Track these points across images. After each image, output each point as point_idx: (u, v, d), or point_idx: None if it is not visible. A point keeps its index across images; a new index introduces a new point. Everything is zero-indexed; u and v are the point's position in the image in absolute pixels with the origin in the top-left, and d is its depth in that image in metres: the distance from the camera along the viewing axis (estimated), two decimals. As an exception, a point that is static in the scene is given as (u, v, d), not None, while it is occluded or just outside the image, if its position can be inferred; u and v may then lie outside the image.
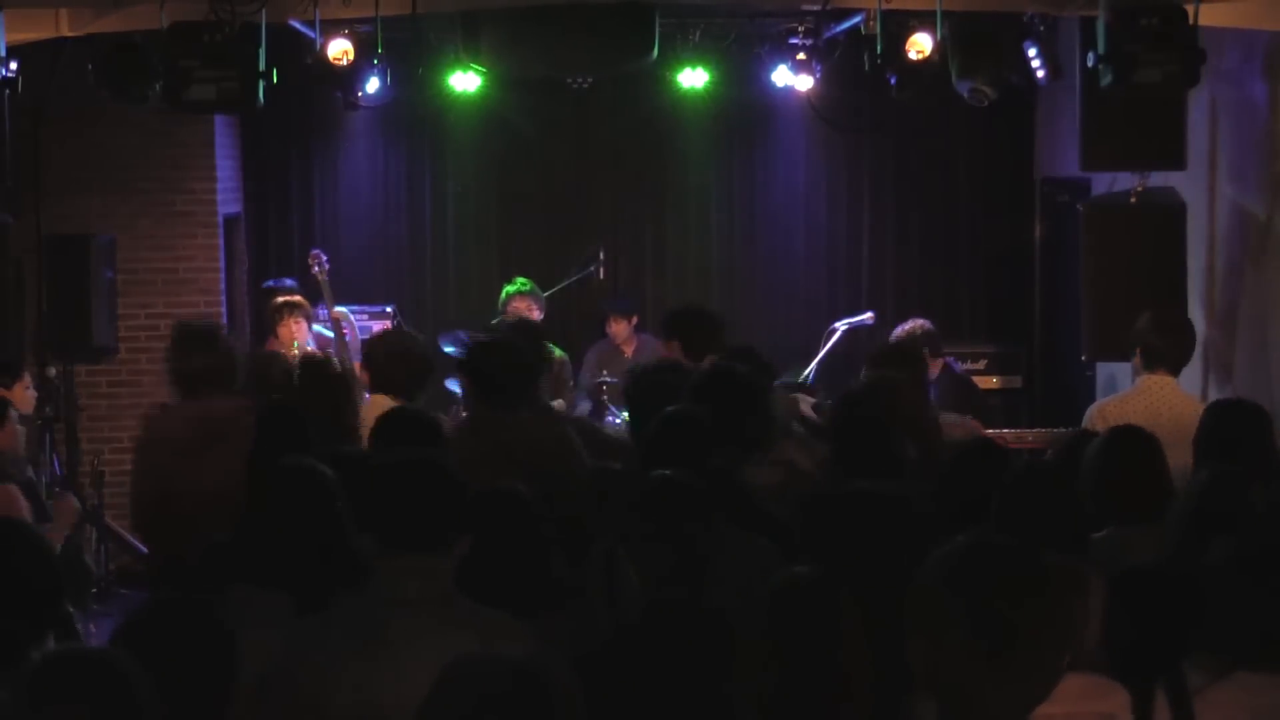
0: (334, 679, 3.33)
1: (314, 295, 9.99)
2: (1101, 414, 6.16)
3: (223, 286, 10.82)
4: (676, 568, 3.92)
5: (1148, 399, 6.19)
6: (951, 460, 4.73)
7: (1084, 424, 6.28)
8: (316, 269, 9.91)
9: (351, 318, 10.12)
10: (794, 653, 2.99)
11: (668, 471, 4.14)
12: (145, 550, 9.80)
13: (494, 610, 3.46)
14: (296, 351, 9.13)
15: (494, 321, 9.91)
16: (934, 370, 8.67)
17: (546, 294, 10.21)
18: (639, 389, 5.65)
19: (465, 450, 5.36)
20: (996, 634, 2.36)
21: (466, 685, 2.33)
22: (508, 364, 5.86)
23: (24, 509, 5.80)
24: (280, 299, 9.41)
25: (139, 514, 6.22)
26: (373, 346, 6.66)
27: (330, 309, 9.80)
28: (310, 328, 9.40)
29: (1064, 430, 7.61)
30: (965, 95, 8.11)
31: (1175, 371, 6.34)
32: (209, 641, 3.03)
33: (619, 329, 10.30)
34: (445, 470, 3.53)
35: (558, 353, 9.40)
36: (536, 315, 9.66)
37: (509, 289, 9.80)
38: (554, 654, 3.22)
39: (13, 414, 6.80)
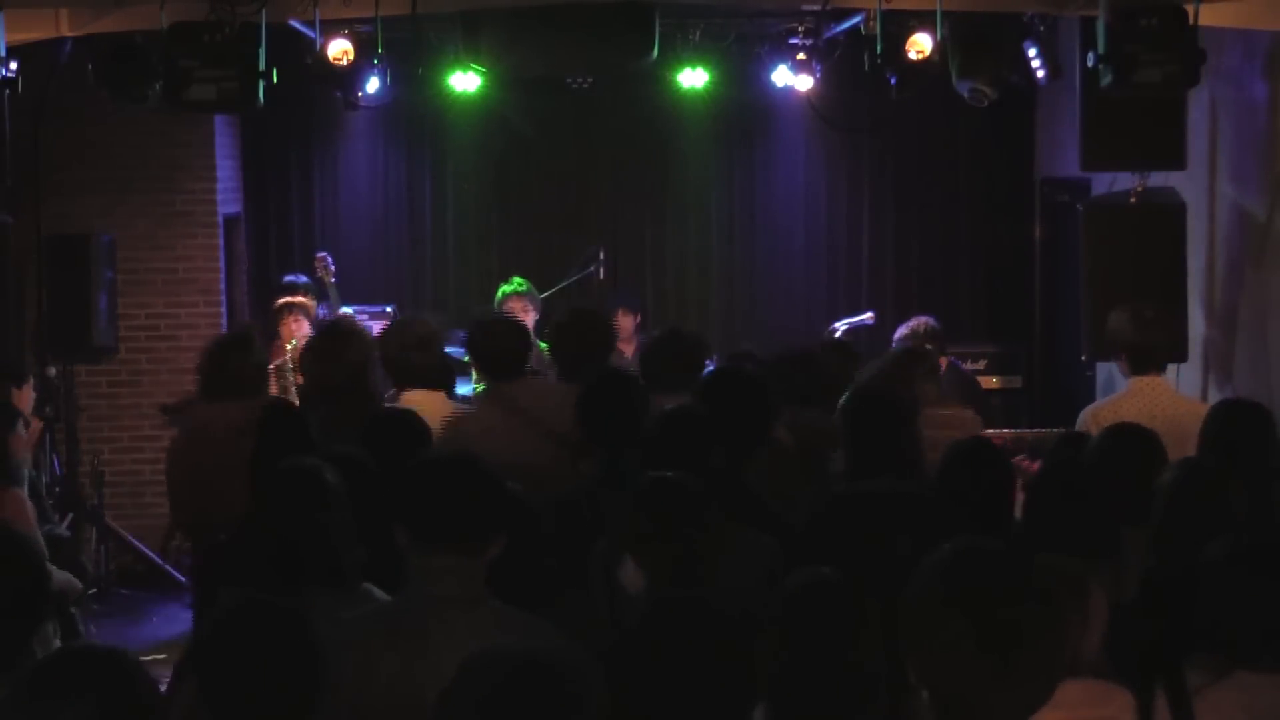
0: (371, 672, 3.33)
1: (320, 297, 10.05)
2: (1095, 418, 6.06)
3: (223, 286, 10.82)
4: (676, 567, 3.92)
5: (1141, 401, 6.10)
6: (946, 460, 4.72)
7: (1077, 429, 6.23)
8: (322, 272, 9.96)
9: (355, 319, 10.16)
10: (811, 653, 2.98)
11: (666, 473, 4.14)
12: (146, 551, 9.90)
13: (531, 615, 3.46)
14: (293, 349, 9.16)
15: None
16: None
17: (546, 294, 10.21)
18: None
19: (487, 420, 5.65)
20: (996, 640, 2.35)
21: (489, 673, 2.31)
22: (506, 338, 6.08)
23: (31, 512, 5.81)
24: (281, 299, 9.46)
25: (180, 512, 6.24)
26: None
27: (335, 311, 9.85)
28: (311, 326, 9.41)
29: (1060, 430, 7.60)
30: (965, 95, 8.11)
31: (1163, 369, 6.28)
32: (295, 649, 2.97)
33: (625, 323, 10.30)
34: (484, 469, 3.51)
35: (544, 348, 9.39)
36: (532, 316, 9.65)
37: (505, 289, 9.80)
38: (577, 645, 3.21)
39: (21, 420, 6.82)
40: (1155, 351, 6.24)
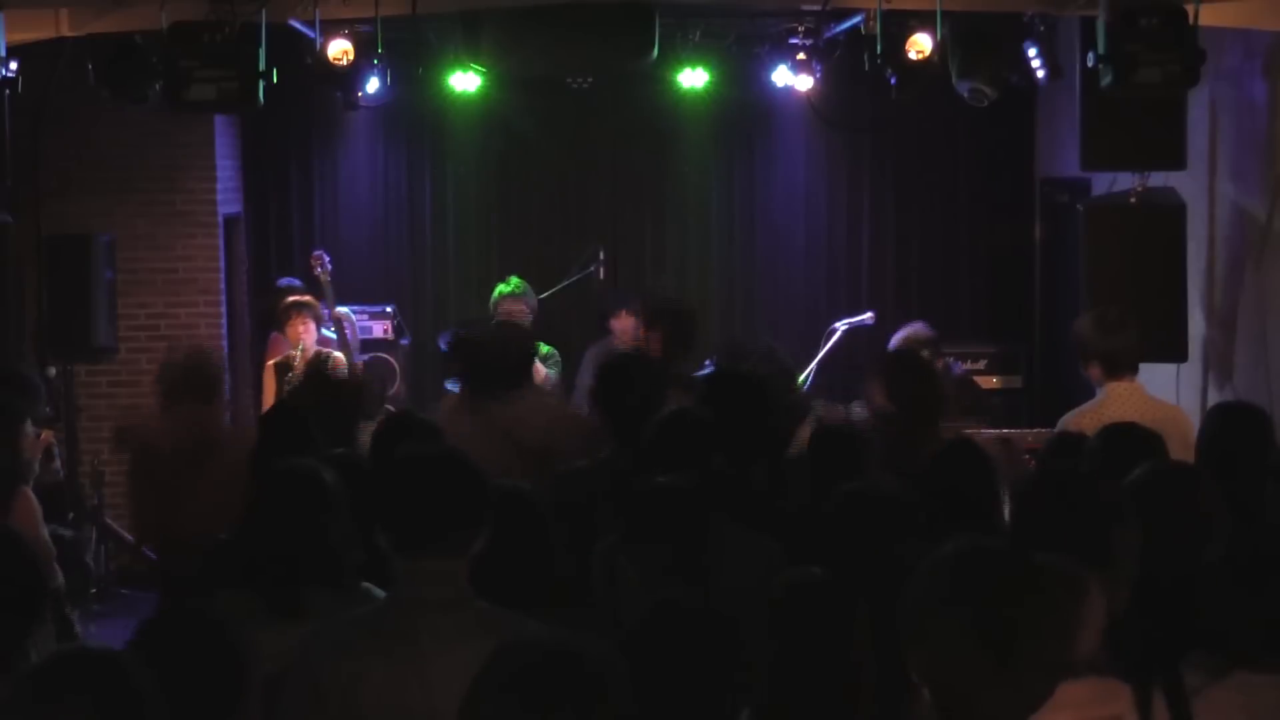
0: (358, 679, 3.31)
1: (316, 296, 10.02)
2: (1077, 425, 6.01)
3: (223, 286, 10.82)
4: (677, 570, 3.92)
5: (1120, 408, 6.01)
6: (933, 461, 4.70)
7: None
8: (319, 270, 9.94)
9: (353, 317, 10.15)
10: (801, 653, 2.98)
11: (666, 477, 4.13)
12: (146, 550, 9.88)
13: (517, 614, 3.42)
14: (300, 352, 9.14)
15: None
16: None
17: (546, 294, 10.20)
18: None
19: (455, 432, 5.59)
20: (997, 637, 2.36)
21: (517, 659, 2.30)
22: (495, 353, 6.09)
23: (38, 513, 5.82)
24: (290, 299, 9.42)
25: (142, 529, 6.24)
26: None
27: (332, 309, 9.83)
28: (318, 328, 9.40)
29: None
30: (965, 95, 8.12)
31: (1135, 371, 6.23)
32: (216, 654, 3.00)
33: (626, 324, 10.24)
34: (461, 467, 3.44)
35: (544, 349, 9.37)
36: (527, 317, 9.64)
37: (502, 288, 9.78)
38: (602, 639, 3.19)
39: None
40: (1124, 352, 6.18)
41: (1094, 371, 6.26)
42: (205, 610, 3.12)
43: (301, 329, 9.15)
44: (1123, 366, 6.15)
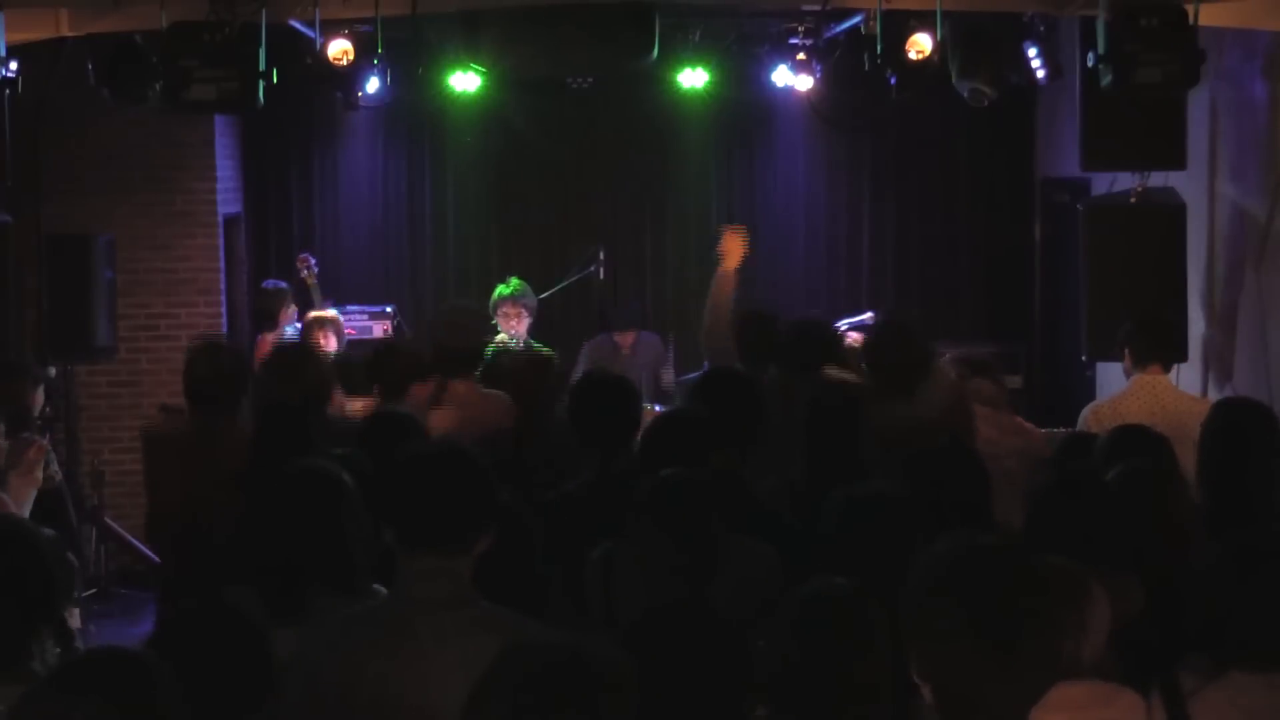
0: (357, 675, 3.30)
1: (303, 298, 10.03)
2: (1095, 416, 6.07)
3: (222, 286, 10.82)
4: (680, 567, 3.90)
5: (1142, 399, 6.09)
6: (923, 461, 4.69)
7: (1078, 427, 6.23)
8: (305, 272, 9.96)
9: (340, 319, 10.13)
10: (825, 661, 2.97)
11: (674, 470, 4.12)
12: (146, 551, 9.88)
13: (517, 613, 3.40)
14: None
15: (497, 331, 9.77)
16: None
17: (546, 294, 10.19)
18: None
19: None
20: (995, 632, 2.36)
21: (524, 661, 2.30)
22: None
23: (11, 510, 5.80)
24: (312, 315, 9.47)
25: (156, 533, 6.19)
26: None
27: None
28: (339, 342, 9.38)
29: (1062, 430, 7.61)
30: (965, 95, 8.12)
31: (1167, 367, 6.27)
32: (242, 646, 3.01)
33: (625, 340, 10.20)
34: (468, 465, 3.40)
35: (546, 351, 9.36)
36: (526, 320, 9.62)
37: (502, 289, 9.77)
38: (607, 640, 3.19)
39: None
40: (1156, 346, 6.24)
41: (1125, 362, 6.39)
42: (233, 605, 3.09)
43: (324, 342, 9.15)
44: (1149, 358, 6.25)
